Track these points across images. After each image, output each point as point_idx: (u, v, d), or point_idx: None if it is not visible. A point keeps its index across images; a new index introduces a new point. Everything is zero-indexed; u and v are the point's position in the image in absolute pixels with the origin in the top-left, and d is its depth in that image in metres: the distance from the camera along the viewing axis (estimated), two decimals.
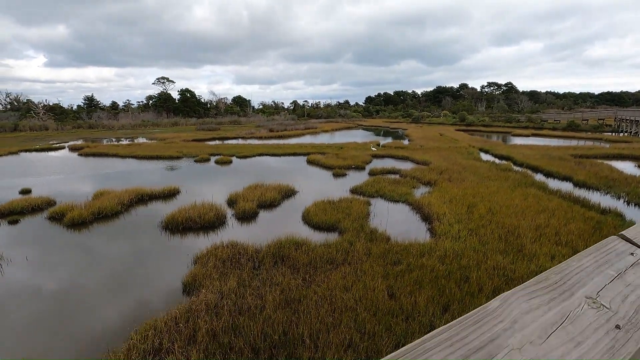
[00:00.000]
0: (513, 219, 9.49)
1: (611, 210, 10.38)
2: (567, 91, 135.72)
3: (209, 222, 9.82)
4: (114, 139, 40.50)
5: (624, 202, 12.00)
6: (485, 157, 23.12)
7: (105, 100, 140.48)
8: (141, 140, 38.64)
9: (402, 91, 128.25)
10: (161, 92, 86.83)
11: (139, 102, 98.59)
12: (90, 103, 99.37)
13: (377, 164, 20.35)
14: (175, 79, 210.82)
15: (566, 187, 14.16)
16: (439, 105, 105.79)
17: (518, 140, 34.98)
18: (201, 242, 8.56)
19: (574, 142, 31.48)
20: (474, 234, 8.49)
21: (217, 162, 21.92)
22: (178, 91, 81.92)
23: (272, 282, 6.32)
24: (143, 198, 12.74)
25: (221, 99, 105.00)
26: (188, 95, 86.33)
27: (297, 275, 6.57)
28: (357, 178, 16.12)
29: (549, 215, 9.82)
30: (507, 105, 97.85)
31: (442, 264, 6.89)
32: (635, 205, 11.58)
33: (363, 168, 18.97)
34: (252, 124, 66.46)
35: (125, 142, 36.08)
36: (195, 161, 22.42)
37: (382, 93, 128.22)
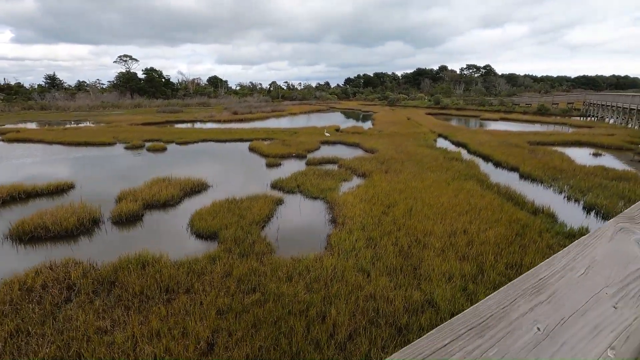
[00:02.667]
0: (430, 222, 8.13)
1: (544, 209, 9.16)
2: (545, 75, 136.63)
3: (66, 229, 8.07)
4: (59, 122, 37.34)
5: (565, 197, 10.87)
6: (443, 143, 21.89)
7: (79, 79, 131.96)
8: (87, 123, 35.77)
9: (382, 73, 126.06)
10: (126, 71, 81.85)
11: (110, 81, 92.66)
12: (53, 82, 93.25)
13: (323, 151, 18.79)
14: (154, 58, 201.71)
15: (510, 179, 12.99)
16: (418, 88, 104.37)
17: (487, 124, 34.00)
18: (35, 259, 6.84)
19: (539, 127, 30.67)
20: (372, 244, 7.07)
21: (149, 149, 19.86)
22: (142, 70, 77.24)
23: (69, 326, 4.73)
24: (18, 196, 10.80)
25: (194, 79, 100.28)
26: (155, 75, 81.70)
27: (109, 314, 4.99)
28: (290, 168, 14.52)
29: (473, 216, 8.51)
30: (485, 88, 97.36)
31: (308, 292, 5.44)
32: (574, 201, 10.44)
33: (305, 156, 17.37)
34: (221, 105, 63.47)
35: (67, 125, 33.15)
36: (126, 148, 20.29)
37: (361, 74, 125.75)
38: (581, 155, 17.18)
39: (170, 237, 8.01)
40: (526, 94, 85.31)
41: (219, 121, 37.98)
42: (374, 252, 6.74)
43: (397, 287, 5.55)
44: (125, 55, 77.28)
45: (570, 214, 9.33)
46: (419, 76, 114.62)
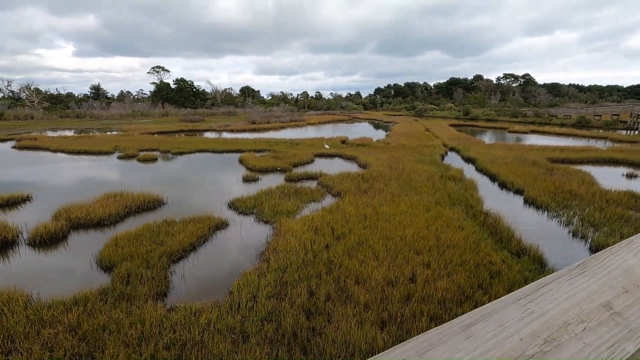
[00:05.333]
0: (374, 263, 6.55)
1: (531, 250, 7.24)
2: (593, 84, 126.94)
3: None
4: (83, 130, 38.88)
5: (569, 231, 8.76)
6: (451, 158, 19.85)
7: (127, 89, 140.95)
8: (106, 132, 36.86)
9: (413, 83, 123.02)
10: (160, 81, 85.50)
11: (151, 91, 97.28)
12: (97, 92, 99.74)
13: (314, 165, 17.49)
14: (199, 70, 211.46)
15: (511, 204, 10.97)
16: (450, 98, 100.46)
17: (514, 137, 31.10)
18: None
19: (573, 142, 27.44)
20: (282, 294, 5.62)
21: (139, 159, 19.52)
22: (173, 80, 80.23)
23: None
24: None
25: (225, 89, 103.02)
26: (187, 85, 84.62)
27: None
28: (265, 184, 13.29)
29: (434, 256, 6.81)
30: (523, 99, 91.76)
31: None
32: (580, 237, 8.34)
33: (290, 170, 16.13)
34: (245, 115, 64.11)
35: (87, 133, 34.30)
36: (119, 158, 20.11)
37: (392, 84, 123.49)
38: (611, 176, 14.59)
39: (69, 267, 7.01)
40: (570, 104, 79.19)
41: (232, 130, 37.82)
42: (277, 305, 5.29)
43: None
44: (158, 67, 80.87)
45: (567, 257, 7.32)
46: (452, 86, 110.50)
